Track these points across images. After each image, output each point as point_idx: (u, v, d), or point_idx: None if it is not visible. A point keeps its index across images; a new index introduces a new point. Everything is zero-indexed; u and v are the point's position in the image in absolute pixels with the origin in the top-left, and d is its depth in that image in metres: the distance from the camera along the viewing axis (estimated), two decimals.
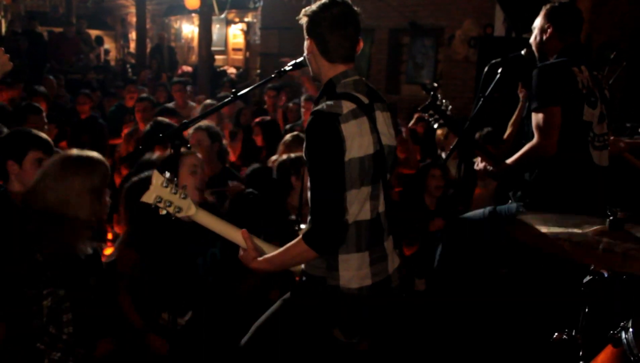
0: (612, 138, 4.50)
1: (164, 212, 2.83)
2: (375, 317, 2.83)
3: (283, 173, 4.64)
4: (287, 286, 3.01)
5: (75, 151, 3.41)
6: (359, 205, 2.67)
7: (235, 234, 2.91)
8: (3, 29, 17.99)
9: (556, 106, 3.69)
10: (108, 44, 21.07)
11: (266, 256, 2.81)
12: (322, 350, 2.81)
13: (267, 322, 2.92)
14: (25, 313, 3.14)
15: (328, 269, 2.71)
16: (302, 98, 8.02)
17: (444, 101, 4.10)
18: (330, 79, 2.79)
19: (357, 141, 2.61)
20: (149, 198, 2.80)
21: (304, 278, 2.81)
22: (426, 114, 4.13)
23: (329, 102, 2.66)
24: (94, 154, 3.40)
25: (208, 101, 8.40)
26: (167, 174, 2.83)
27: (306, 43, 2.84)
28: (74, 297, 3.25)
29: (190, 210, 2.86)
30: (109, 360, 3.41)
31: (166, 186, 2.80)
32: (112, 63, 17.19)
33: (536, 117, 3.73)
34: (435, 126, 4.14)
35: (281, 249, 2.75)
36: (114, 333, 3.52)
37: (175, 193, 2.82)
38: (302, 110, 7.83)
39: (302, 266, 2.82)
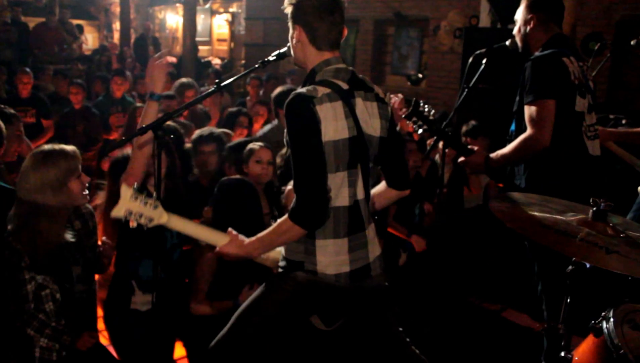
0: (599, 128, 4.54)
1: (135, 224, 2.84)
2: (354, 304, 2.84)
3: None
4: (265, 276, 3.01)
5: (45, 147, 3.44)
6: (335, 190, 2.70)
7: (211, 235, 2.94)
8: None
9: (551, 98, 3.68)
10: (91, 34, 20.91)
11: (257, 236, 2.84)
12: (301, 337, 2.81)
13: (246, 312, 2.92)
14: (13, 297, 3.22)
15: (306, 253, 2.74)
16: (255, 102, 8.06)
17: (426, 106, 4.12)
18: (312, 68, 2.81)
19: (332, 124, 2.64)
20: (118, 212, 2.82)
21: (283, 263, 2.83)
22: (410, 122, 4.13)
23: (306, 88, 2.70)
24: (57, 148, 3.41)
25: (184, 80, 8.28)
26: (135, 186, 2.84)
27: (293, 32, 2.85)
28: (55, 284, 3.31)
29: (162, 218, 2.88)
30: (92, 353, 3.42)
31: (135, 199, 2.81)
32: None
33: (530, 110, 3.71)
34: (420, 131, 4.15)
35: (269, 228, 2.79)
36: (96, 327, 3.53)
37: (145, 205, 2.83)
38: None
39: (282, 251, 2.84)
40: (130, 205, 2.81)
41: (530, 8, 3.94)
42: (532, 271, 4.03)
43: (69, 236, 3.44)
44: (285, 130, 2.70)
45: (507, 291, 4.89)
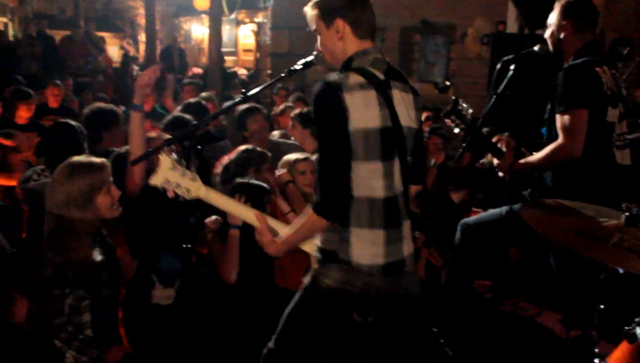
0: None
1: (173, 194, 2.86)
2: (388, 298, 2.81)
3: (243, 160, 4.73)
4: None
5: (74, 159, 3.46)
6: (368, 180, 2.67)
7: (246, 212, 2.95)
8: (10, 32, 18.06)
9: (583, 108, 3.67)
10: (117, 46, 21.04)
11: (281, 238, 2.84)
12: (343, 332, 2.79)
13: (291, 314, 2.95)
14: (49, 310, 3.23)
15: (340, 242, 2.72)
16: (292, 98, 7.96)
17: (464, 105, 4.13)
18: (349, 56, 2.79)
19: (361, 112, 2.62)
20: (156, 180, 2.83)
21: (319, 254, 2.82)
22: (448, 120, 4.15)
23: (338, 75, 2.68)
24: (84, 161, 3.43)
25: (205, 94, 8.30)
26: (174, 156, 2.84)
27: (332, 28, 2.81)
28: (92, 297, 3.33)
29: (200, 191, 2.88)
30: None
31: (174, 169, 2.82)
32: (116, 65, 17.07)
33: (562, 119, 3.71)
34: (457, 131, 4.17)
35: (293, 226, 2.81)
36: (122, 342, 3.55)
37: (183, 175, 2.84)
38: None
39: (318, 243, 2.82)
40: (169, 174, 2.82)
41: (565, 13, 3.92)
42: (560, 278, 4.01)
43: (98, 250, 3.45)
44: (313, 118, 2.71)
45: (541, 296, 4.85)
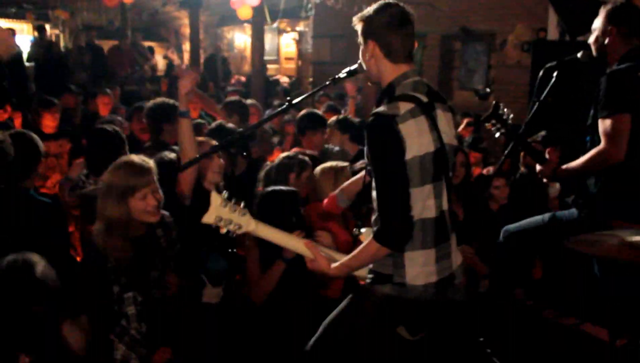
0: None
1: (225, 230, 2.93)
2: (440, 313, 2.86)
3: (284, 166, 4.71)
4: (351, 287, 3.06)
5: (125, 157, 3.62)
6: (422, 203, 2.70)
7: (297, 244, 2.98)
8: (61, 43, 18.50)
9: (625, 113, 3.64)
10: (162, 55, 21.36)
11: (342, 261, 2.86)
12: (388, 348, 2.83)
13: (335, 322, 2.99)
14: (104, 302, 3.35)
15: (395, 266, 2.75)
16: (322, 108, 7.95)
17: (505, 110, 4.12)
18: (390, 82, 2.82)
19: (416, 139, 2.65)
20: (209, 218, 2.90)
21: (371, 276, 2.85)
22: (489, 124, 4.15)
23: (387, 105, 2.71)
24: (129, 161, 3.53)
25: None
26: (225, 194, 2.91)
27: (365, 47, 2.87)
28: (136, 287, 3.44)
29: (250, 226, 2.95)
30: None
31: (225, 206, 2.89)
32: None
33: (604, 124, 3.68)
34: (497, 135, 4.16)
35: (355, 252, 2.81)
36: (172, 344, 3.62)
37: (234, 211, 2.91)
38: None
39: (370, 266, 2.85)
40: (220, 212, 2.89)
41: (610, 19, 3.88)
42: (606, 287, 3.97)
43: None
44: (366, 149, 2.73)
45: (584, 305, 4.80)
